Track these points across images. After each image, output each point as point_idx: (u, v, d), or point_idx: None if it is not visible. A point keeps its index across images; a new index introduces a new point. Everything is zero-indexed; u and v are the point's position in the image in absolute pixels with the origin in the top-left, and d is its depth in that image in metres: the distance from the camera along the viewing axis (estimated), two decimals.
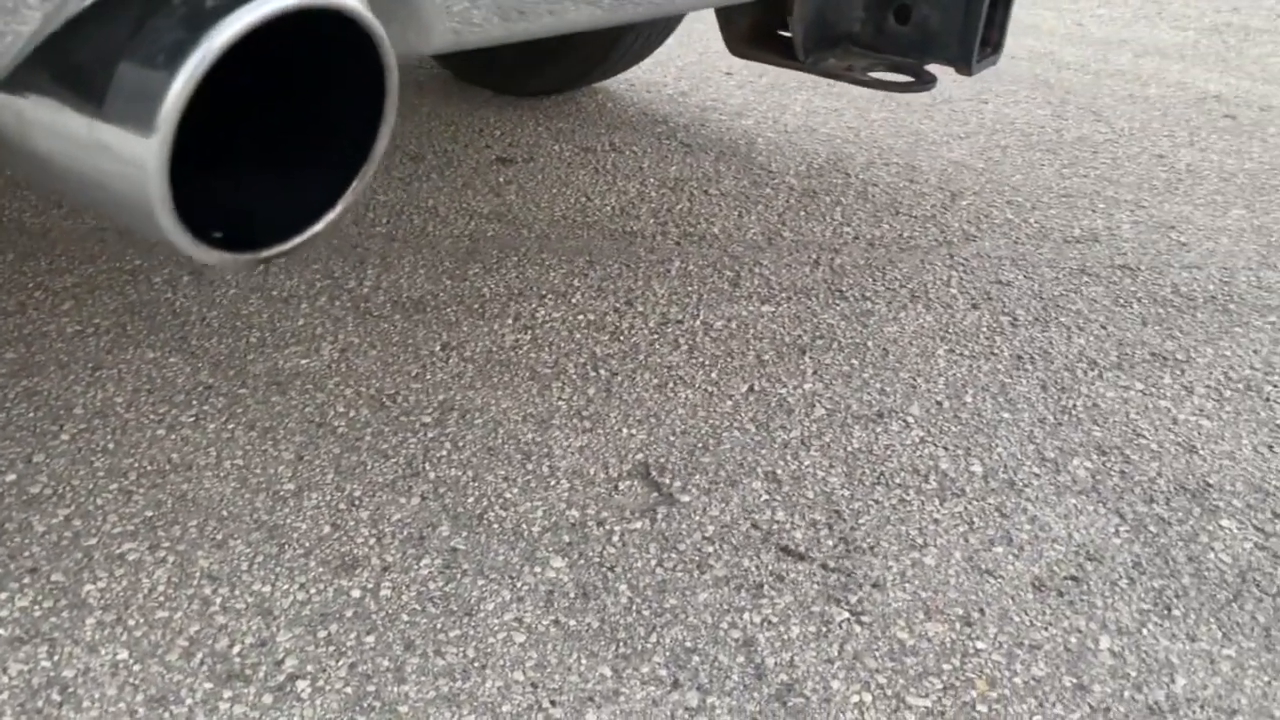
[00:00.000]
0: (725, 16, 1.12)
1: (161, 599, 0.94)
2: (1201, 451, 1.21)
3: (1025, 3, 3.49)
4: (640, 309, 1.44)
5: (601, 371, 1.29)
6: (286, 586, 0.97)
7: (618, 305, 1.44)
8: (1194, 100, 2.51)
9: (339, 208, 0.49)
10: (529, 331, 1.37)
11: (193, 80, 0.40)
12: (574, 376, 1.28)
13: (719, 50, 2.69)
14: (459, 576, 0.99)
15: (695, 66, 2.53)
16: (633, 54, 2.10)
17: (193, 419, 1.18)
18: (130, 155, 0.40)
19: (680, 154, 1.97)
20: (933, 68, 1.13)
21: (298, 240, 0.49)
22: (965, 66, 1.05)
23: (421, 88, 2.27)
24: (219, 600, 0.95)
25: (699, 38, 2.78)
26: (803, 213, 1.75)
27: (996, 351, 1.39)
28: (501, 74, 2.19)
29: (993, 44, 1.08)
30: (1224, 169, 2.08)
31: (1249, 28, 3.31)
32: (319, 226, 0.49)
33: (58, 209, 1.62)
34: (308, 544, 1.01)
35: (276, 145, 0.50)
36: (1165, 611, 0.98)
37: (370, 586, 0.97)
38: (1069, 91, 2.52)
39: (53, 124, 0.44)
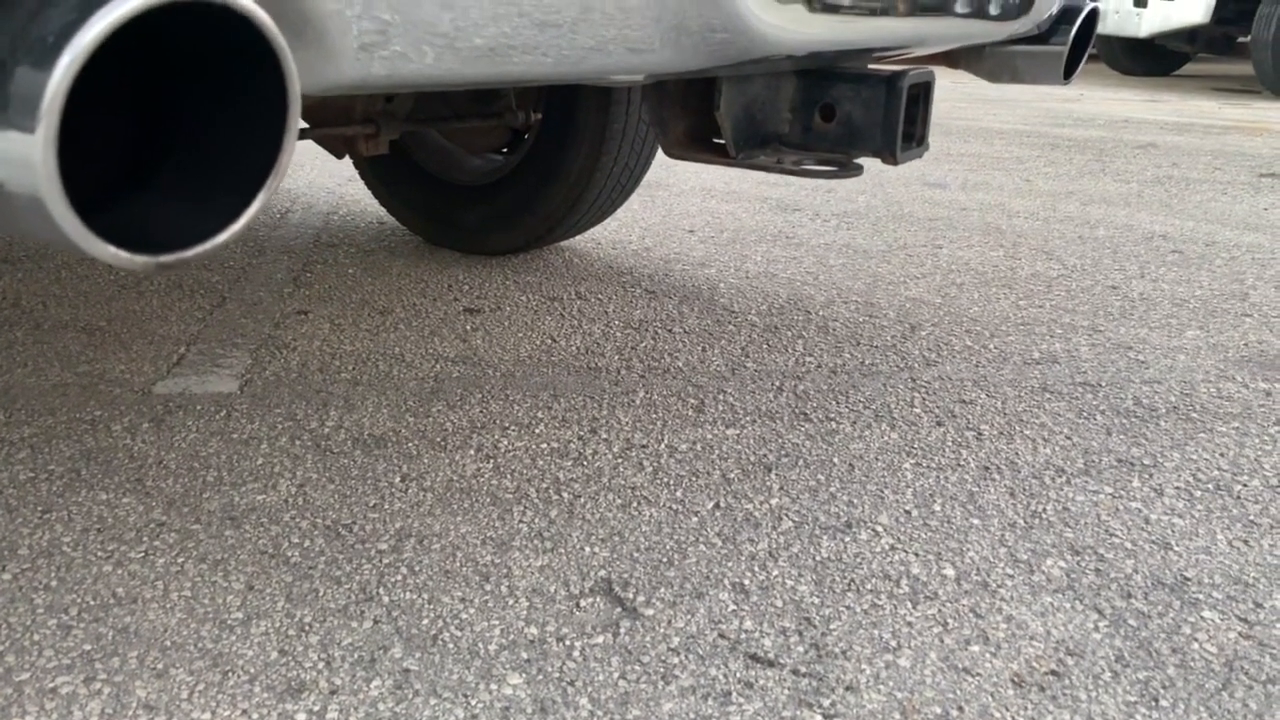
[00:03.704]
0: (661, 124, 1.17)
1: None
2: (1176, 548, 1.19)
3: (974, 164, 3.67)
4: (604, 435, 1.43)
5: (564, 494, 1.27)
6: (228, 713, 0.91)
7: (581, 433, 1.43)
8: (1141, 239, 2.60)
9: (244, 219, 0.49)
10: (491, 460, 1.35)
11: (74, 65, 0.41)
12: (536, 500, 1.26)
13: (682, 211, 2.79)
14: (410, 696, 0.94)
15: (659, 226, 2.62)
16: (595, 211, 2.17)
17: (141, 555, 1.14)
18: (20, 147, 0.41)
19: (645, 299, 2.01)
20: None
21: (202, 248, 0.49)
22: (891, 156, 1.09)
23: (393, 252, 2.33)
24: None
25: (661, 203, 2.89)
26: (765, 346, 1.78)
27: (963, 463, 1.38)
28: (466, 234, 2.25)
29: (917, 138, 1.13)
30: (1175, 296, 2.13)
31: (1189, 179, 3.47)
32: (223, 237, 0.49)
33: (23, 367, 1.62)
34: (253, 670, 0.96)
35: (189, 160, 0.51)
36: (1153, 702, 0.94)
37: (316, 709, 0.92)
38: (1020, 236, 2.61)
39: None
